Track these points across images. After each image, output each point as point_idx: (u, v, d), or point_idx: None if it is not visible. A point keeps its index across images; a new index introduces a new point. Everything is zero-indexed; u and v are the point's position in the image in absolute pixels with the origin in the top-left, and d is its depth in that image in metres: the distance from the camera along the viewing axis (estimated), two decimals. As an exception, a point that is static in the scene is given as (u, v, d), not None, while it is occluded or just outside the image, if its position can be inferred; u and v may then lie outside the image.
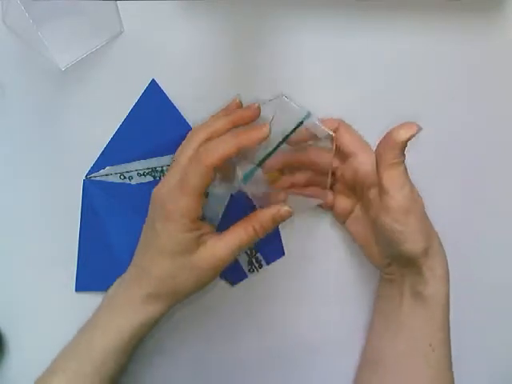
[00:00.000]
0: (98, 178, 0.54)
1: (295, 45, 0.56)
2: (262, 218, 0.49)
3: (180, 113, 0.55)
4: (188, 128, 0.54)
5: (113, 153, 0.54)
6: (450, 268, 0.58)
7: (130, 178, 0.55)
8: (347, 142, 0.53)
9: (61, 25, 0.50)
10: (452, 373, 0.51)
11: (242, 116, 0.48)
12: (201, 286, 0.49)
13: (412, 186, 0.49)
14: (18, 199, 0.55)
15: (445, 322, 0.50)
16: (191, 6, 0.55)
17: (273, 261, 0.57)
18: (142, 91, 0.54)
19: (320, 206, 0.55)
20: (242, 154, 0.47)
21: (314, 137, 0.51)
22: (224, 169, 0.49)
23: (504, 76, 0.58)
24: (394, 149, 0.47)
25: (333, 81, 0.56)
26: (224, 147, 0.46)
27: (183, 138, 0.54)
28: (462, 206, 0.58)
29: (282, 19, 0.56)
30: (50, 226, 0.55)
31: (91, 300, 0.55)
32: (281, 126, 0.49)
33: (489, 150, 0.58)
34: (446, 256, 0.51)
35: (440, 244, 0.51)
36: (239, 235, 0.48)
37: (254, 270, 0.57)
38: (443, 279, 0.50)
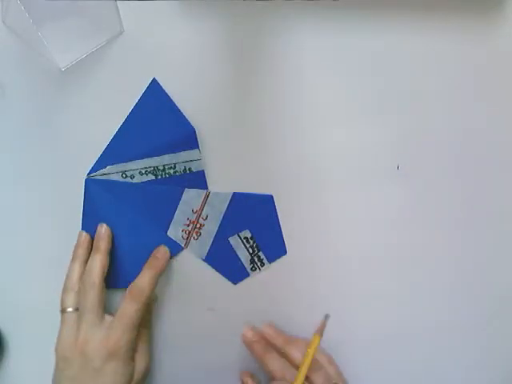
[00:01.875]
0: (99, 177, 0.54)
1: (295, 45, 0.56)
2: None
3: (181, 111, 0.55)
4: (189, 127, 0.55)
5: (114, 151, 0.54)
6: (449, 269, 0.58)
7: (132, 176, 0.55)
8: None
9: (61, 25, 0.50)
10: None
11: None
12: None
13: None
14: (19, 199, 0.55)
15: None
16: (191, 6, 0.55)
17: (275, 259, 0.57)
18: (143, 91, 0.54)
19: None
20: None
21: None
22: None
23: (504, 76, 0.58)
24: None
25: (333, 81, 0.56)
26: (151, 281, 0.52)
27: (184, 136, 0.54)
28: (462, 206, 0.58)
29: (281, 19, 0.56)
30: (51, 225, 0.55)
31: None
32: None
33: (489, 150, 0.58)
34: None
35: None
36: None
37: (256, 269, 0.57)
38: None
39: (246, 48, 0.56)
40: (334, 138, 0.57)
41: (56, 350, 0.51)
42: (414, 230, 0.58)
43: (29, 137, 0.54)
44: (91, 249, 0.54)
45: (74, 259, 0.53)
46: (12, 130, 0.54)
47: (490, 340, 0.59)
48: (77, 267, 0.53)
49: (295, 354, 0.53)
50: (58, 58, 0.53)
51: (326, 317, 0.55)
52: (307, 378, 0.52)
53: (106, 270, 0.52)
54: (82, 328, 0.50)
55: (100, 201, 0.54)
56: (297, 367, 0.52)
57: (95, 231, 0.54)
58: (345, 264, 0.57)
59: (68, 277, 0.53)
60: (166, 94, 0.54)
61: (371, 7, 0.56)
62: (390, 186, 0.57)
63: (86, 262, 0.53)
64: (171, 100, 0.54)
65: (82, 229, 0.54)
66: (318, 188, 0.57)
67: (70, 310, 0.51)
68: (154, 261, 0.54)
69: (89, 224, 0.54)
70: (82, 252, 0.53)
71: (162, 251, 0.54)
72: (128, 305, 0.51)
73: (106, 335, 0.50)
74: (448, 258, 0.58)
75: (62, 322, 0.52)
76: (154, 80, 0.54)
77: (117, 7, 0.52)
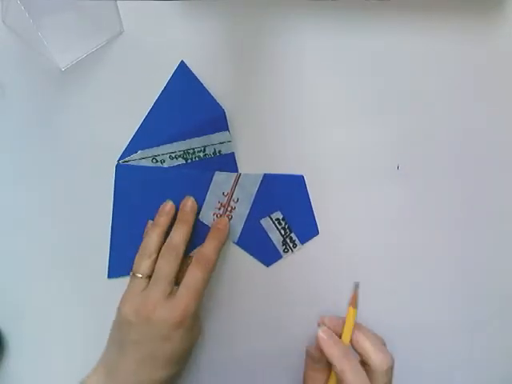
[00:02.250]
0: (130, 163, 0.54)
1: (295, 45, 0.56)
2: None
3: (210, 94, 0.54)
4: (219, 109, 0.54)
5: (144, 137, 0.54)
6: (449, 269, 0.58)
7: (162, 161, 0.54)
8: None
9: (61, 25, 0.50)
10: None
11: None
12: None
13: None
14: (19, 199, 0.55)
15: None
16: (191, 6, 0.55)
17: (307, 240, 0.57)
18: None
19: None
20: None
21: None
22: None
23: (504, 76, 0.58)
24: None
25: (333, 81, 0.56)
26: (216, 251, 0.53)
27: (214, 119, 0.54)
28: (462, 206, 0.58)
29: (281, 19, 0.56)
30: (51, 225, 0.55)
31: (91, 299, 0.55)
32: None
33: (489, 150, 0.58)
34: None
35: None
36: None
37: (288, 250, 0.57)
38: None
39: (246, 48, 0.56)
40: (334, 138, 0.57)
41: (120, 311, 0.50)
42: (414, 230, 0.58)
43: (29, 137, 0.54)
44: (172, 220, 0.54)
45: (154, 226, 0.53)
46: (12, 130, 0.54)
47: (490, 340, 0.59)
48: (157, 235, 0.52)
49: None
50: (58, 58, 0.53)
51: (356, 285, 0.52)
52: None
53: (187, 243, 0.53)
54: (152, 295, 0.50)
55: (131, 186, 0.54)
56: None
57: (127, 217, 0.54)
58: (345, 264, 0.58)
59: (147, 243, 0.52)
60: (195, 75, 0.54)
61: (371, 7, 0.56)
62: (390, 186, 0.57)
63: (166, 232, 0.53)
64: (200, 82, 0.54)
65: (113, 214, 0.55)
66: (317, 188, 0.57)
67: (140, 276, 0.51)
68: (216, 232, 0.54)
69: (120, 209, 0.54)
70: (164, 221, 0.53)
71: (224, 222, 0.55)
72: (195, 273, 0.51)
73: (174, 304, 0.50)
74: (448, 258, 0.58)
75: (131, 285, 0.51)
76: (181, 62, 0.54)
77: (117, 7, 0.52)
